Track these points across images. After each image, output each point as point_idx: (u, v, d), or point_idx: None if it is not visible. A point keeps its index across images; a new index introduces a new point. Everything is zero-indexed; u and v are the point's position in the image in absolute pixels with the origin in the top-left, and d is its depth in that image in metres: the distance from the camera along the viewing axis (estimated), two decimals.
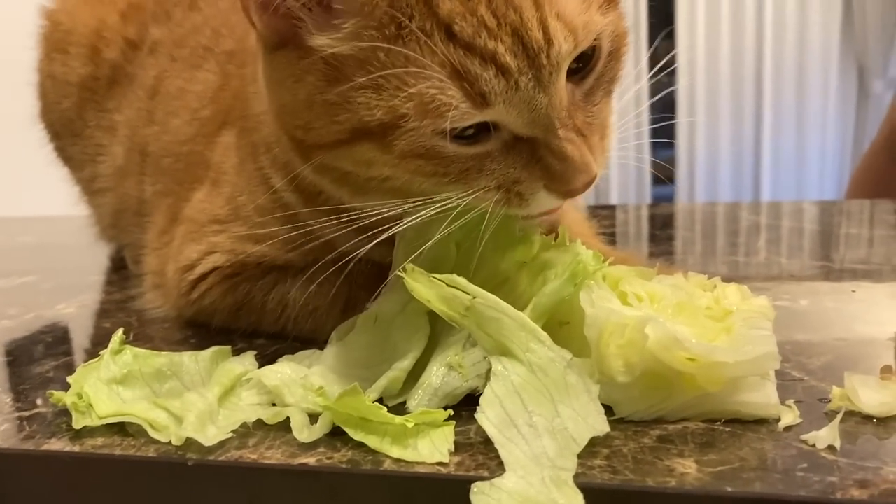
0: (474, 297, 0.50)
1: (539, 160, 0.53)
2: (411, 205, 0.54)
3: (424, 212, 0.54)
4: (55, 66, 1.02)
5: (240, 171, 0.70)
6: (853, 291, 0.76)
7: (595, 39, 0.53)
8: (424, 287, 0.51)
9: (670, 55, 0.66)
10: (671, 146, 5.32)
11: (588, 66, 0.54)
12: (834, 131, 5.11)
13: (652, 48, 0.73)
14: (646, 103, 0.65)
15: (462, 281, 0.50)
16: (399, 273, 0.51)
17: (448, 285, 0.50)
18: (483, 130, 0.52)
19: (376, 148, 0.53)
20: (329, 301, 0.65)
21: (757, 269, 0.87)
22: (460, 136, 0.52)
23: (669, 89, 0.58)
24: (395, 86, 0.50)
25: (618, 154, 0.60)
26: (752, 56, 5.07)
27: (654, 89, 0.68)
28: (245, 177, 0.69)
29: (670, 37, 4.90)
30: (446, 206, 0.54)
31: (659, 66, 0.64)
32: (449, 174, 0.53)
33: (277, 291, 0.67)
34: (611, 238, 1.08)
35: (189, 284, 0.71)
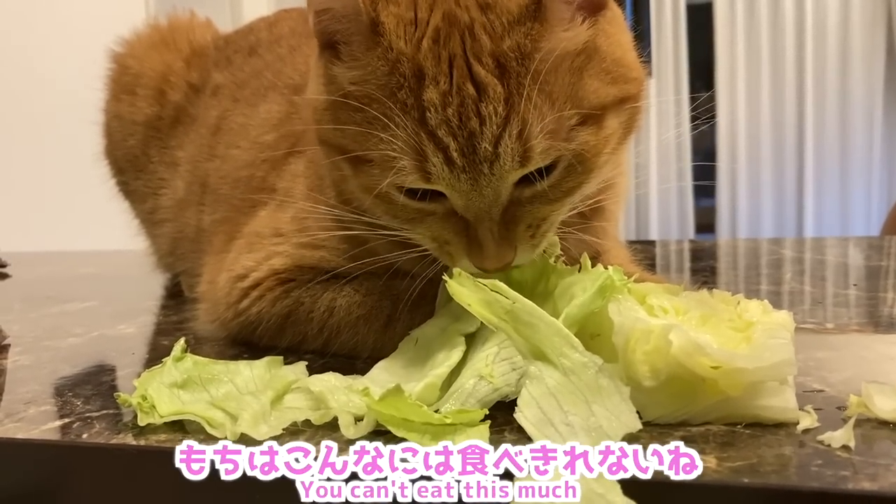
0: (514, 302, 0.53)
1: (468, 235, 0.61)
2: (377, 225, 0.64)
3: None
4: (122, 107, 1.10)
5: (307, 198, 0.74)
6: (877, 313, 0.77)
7: (554, 160, 0.59)
8: (468, 290, 0.54)
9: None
10: (712, 195, 5.32)
11: (544, 176, 0.59)
12: (879, 180, 5.02)
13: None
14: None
15: (503, 286, 0.54)
16: (444, 278, 0.56)
17: (490, 290, 0.54)
18: (435, 194, 0.60)
19: (351, 169, 0.62)
20: (373, 313, 0.69)
21: (791, 296, 0.89)
22: (412, 192, 0.60)
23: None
24: (374, 136, 0.58)
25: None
26: (792, 108, 5.03)
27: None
28: (312, 203, 0.72)
29: (710, 89, 4.92)
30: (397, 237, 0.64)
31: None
32: (398, 217, 0.63)
33: (326, 297, 0.71)
34: (649, 268, 1.10)
35: (240, 292, 0.73)
